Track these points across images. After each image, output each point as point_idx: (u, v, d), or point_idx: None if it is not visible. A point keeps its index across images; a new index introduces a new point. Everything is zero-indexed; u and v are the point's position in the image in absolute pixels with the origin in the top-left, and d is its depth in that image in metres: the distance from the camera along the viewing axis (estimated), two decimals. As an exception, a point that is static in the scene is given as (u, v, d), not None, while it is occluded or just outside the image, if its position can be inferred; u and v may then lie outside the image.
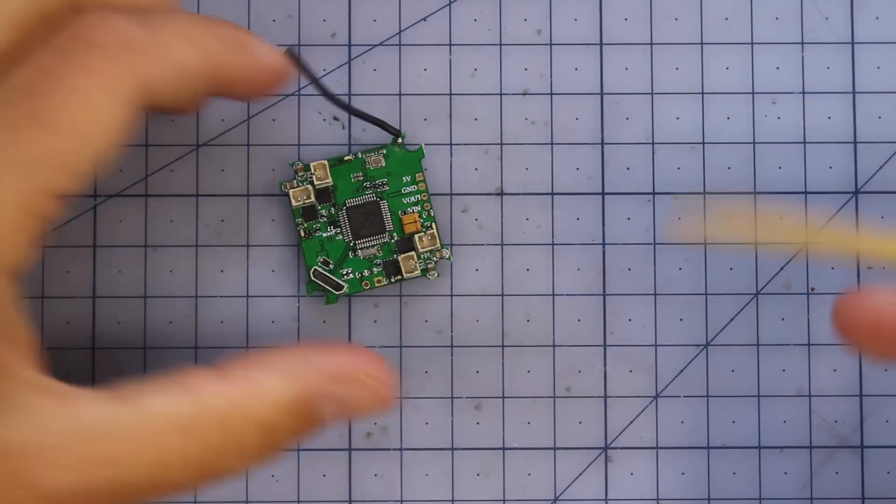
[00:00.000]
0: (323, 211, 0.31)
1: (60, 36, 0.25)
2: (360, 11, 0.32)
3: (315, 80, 0.30)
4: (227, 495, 0.31)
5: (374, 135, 0.32)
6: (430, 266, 0.31)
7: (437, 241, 0.31)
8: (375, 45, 0.32)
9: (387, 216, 0.31)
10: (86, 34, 0.25)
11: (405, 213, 0.31)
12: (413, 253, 0.31)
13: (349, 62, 0.32)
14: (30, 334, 0.25)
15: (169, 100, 0.26)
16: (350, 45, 0.32)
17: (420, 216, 0.31)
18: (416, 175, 0.31)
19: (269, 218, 0.32)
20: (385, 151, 0.31)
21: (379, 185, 0.31)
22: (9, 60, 0.25)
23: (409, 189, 0.31)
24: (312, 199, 0.31)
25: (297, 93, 0.32)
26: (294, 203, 0.31)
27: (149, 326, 0.32)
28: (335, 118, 0.32)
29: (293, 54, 0.29)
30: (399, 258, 0.31)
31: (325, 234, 0.31)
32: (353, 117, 0.32)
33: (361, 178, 0.31)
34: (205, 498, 0.31)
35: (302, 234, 0.31)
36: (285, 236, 0.32)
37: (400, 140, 0.31)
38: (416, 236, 0.31)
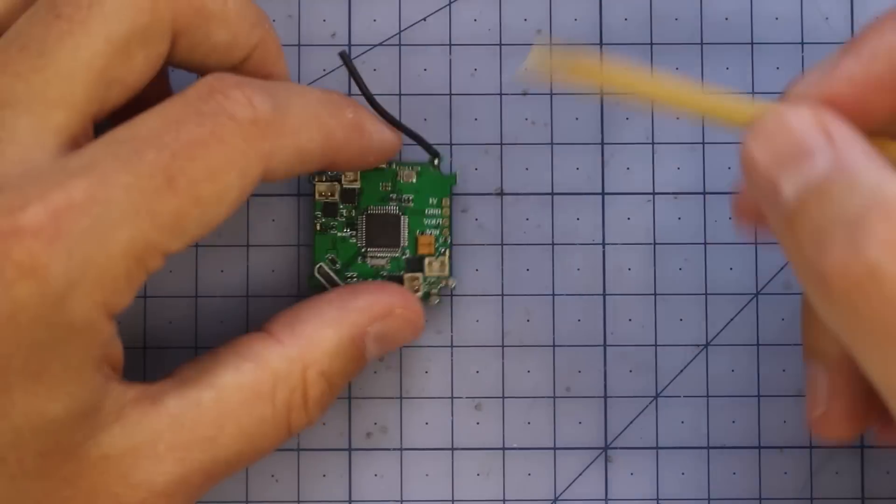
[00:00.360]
0: (344, 211, 0.31)
1: (193, 92, 0.25)
2: (360, 11, 0.32)
3: (365, 91, 0.30)
4: (228, 495, 0.31)
5: (374, 135, 0.32)
6: (433, 292, 0.31)
7: (447, 269, 0.31)
8: (375, 45, 0.32)
9: (404, 232, 0.31)
10: (221, 102, 0.25)
11: (423, 234, 0.31)
12: (420, 275, 0.31)
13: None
14: (119, 351, 0.26)
15: (280, 177, 0.27)
16: (350, 45, 0.32)
17: (437, 240, 0.31)
18: (444, 200, 0.31)
19: (269, 218, 0.32)
20: (419, 169, 0.31)
21: (405, 200, 0.31)
22: (108, 81, 0.26)
23: (433, 211, 0.31)
24: (336, 197, 0.31)
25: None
26: (317, 197, 0.31)
27: (149, 326, 0.32)
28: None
29: (347, 58, 0.30)
30: (405, 276, 0.31)
31: (339, 234, 0.31)
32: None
33: (390, 189, 0.31)
34: (205, 498, 0.31)
35: (318, 227, 0.31)
36: (285, 236, 0.32)
37: (436, 162, 0.31)
38: (428, 260, 0.31)
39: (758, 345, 0.32)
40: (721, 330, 0.32)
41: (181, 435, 0.26)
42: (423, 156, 0.31)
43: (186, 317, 0.32)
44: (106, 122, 0.26)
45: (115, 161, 0.24)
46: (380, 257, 0.31)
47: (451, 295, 0.32)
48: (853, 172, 0.23)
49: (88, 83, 0.25)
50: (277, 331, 0.28)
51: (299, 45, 0.32)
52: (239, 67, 0.28)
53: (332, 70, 0.32)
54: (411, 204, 0.31)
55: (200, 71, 0.28)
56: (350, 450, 0.32)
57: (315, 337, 0.28)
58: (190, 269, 0.32)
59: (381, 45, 0.32)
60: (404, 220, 0.31)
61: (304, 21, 0.32)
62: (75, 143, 0.25)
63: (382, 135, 0.29)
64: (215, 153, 0.25)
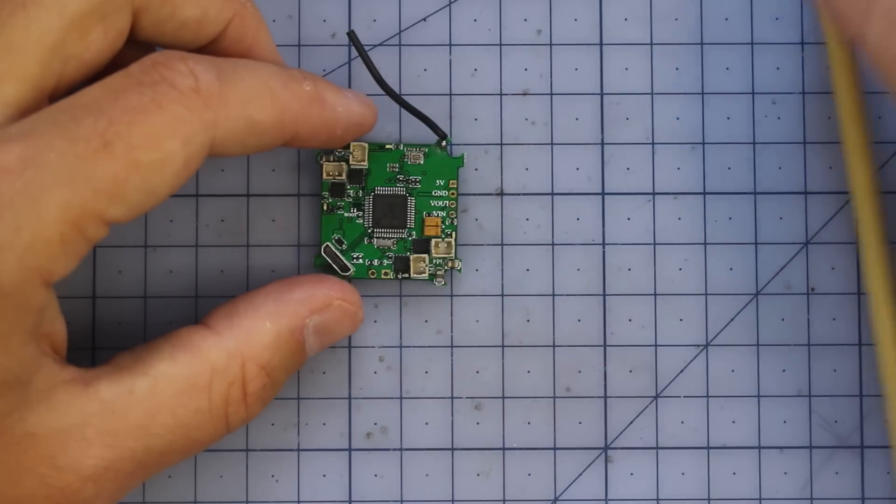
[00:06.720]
0: (350, 191, 0.31)
1: (136, 66, 0.25)
2: (360, 11, 0.32)
3: (373, 70, 0.30)
4: (227, 495, 0.31)
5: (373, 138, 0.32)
6: (438, 273, 0.31)
7: (453, 250, 0.31)
8: (375, 46, 0.32)
9: (411, 213, 0.31)
10: (163, 73, 0.25)
11: (429, 216, 0.31)
12: (426, 256, 0.31)
13: (349, 62, 0.32)
14: (61, 330, 0.26)
15: (235, 151, 0.26)
16: (350, 46, 0.32)
17: (443, 222, 0.31)
18: (451, 181, 0.31)
19: (269, 218, 0.32)
20: (427, 150, 0.31)
21: (412, 182, 0.31)
22: (63, 57, 0.26)
23: (440, 193, 0.31)
24: (344, 177, 0.31)
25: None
26: (325, 177, 0.31)
27: (149, 326, 0.32)
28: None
29: (355, 38, 0.30)
30: (411, 258, 0.31)
31: (346, 214, 0.31)
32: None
33: (397, 170, 0.31)
34: (206, 497, 0.31)
35: (325, 207, 0.31)
36: (285, 236, 0.32)
37: (444, 144, 0.31)
38: (434, 241, 0.31)
39: (758, 345, 0.32)
40: (721, 330, 0.32)
41: (112, 421, 0.26)
42: (430, 137, 0.31)
43: (187, 317, 0.32)
44: None
45: (52, 127, 0.24)
46: (386, 238, 0.31)
47: (451, 295, 0.32)
48: None
49: (41, 58, 0.25)
50: (215, 323, 0.28)
51: (299, 45, 0.32)
52: (216, 42, 0.28)
53: (333, 70, 0.32)
54: (419, 185, 0.31)
55: (174, 47, 0.28)
56: (350, 450, 0.32)
57: (253, 329, 0.28)
58: (190, 269, 0.32)
59: (381, 45, 0.32)
60: (411, 202, 0.31)
61: (304, 21, 0.32)
62: (26, 116, 0.25)
63: (348, 107, 0.29)
64: (154, 120, 0.25)
